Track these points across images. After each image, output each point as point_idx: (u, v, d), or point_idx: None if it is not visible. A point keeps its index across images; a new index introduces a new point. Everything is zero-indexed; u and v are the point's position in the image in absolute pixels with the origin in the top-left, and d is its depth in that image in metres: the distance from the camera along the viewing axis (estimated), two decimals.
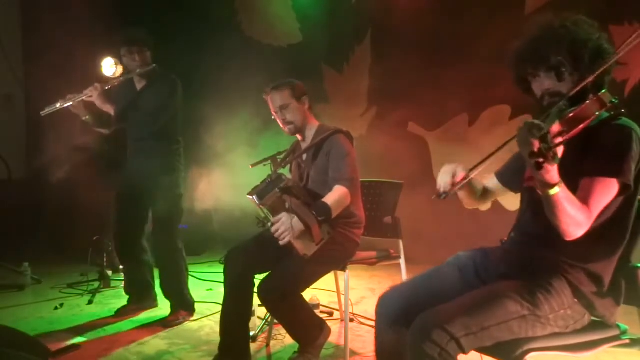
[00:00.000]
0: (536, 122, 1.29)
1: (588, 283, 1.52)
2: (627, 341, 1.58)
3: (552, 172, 1.32)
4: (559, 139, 1.27)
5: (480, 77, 4.28)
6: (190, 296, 3.42)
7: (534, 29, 1.62)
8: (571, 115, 1.34)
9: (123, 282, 3.66)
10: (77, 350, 2.80)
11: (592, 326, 1.57)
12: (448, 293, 1.61)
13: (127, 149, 3.45)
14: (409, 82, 4.93)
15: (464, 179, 1.65)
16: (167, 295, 3.38)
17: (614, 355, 2.36)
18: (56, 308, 3.58)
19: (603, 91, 1.38)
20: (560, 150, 1.27)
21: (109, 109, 3.34)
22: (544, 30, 1.59)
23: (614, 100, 1.37)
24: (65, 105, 3.23)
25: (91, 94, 3.25)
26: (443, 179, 1.67)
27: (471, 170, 1.67)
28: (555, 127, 1.31)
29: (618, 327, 1.60)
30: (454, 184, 1.64)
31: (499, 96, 4.35)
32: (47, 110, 3.24)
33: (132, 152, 3.42)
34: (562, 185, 1.35)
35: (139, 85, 3.39)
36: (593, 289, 1.52)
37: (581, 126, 1.34)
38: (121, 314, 3.43)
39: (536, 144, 1.24)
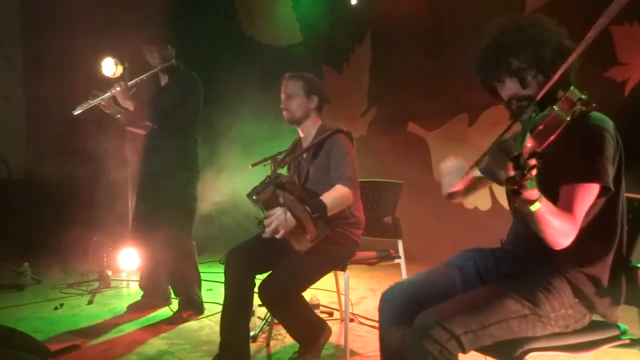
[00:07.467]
0: (506, 143, 1.25)
1: (587, 283, 1.52)
2: (627, 341, 1.58)
3: (530, 191, 1.27)
4: (532, 161, 1.17)
5: None
6: (199, 297, 3.41)
7: (494, 32, 1.61)
8: (541, 127, 1.31)
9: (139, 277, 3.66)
10: (77, 351, 2.79)
11: (593, 326, 1.57)
12: (449, 292, 1.61)
13: (142, 143, 3.42)
14: (408, 83, 4.93)
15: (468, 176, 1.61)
16: (175, 294, 3.45)
17: (614, 355, 2.36)
18: (56, 308, 3.57)
19: (571, 89, 1.36)
20: (535, 172, 1.22)
21: (129, 105, 3.33)
22: (503, 34, 1.59)
23: (582, 96, 1.35)
24: (95, 102, 3.22)
25: (117, 90, 3.24)
26: (450, 179, 1.62)
27: (473, 166, 1.65)
28: (528, 145, 1.25)
29: (618, 327, 1.60)
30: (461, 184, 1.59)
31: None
32: (79, 109, 3.22)
33: (148, 148, 3.40)
34: (543, 199, 1.31)
35: (163, 82, 3.41)
36: (593, 289, 1.52)
37: (553, 136, 1.31)
38: (132, 309, 3.43)
39: (510, 170, 1.20)
